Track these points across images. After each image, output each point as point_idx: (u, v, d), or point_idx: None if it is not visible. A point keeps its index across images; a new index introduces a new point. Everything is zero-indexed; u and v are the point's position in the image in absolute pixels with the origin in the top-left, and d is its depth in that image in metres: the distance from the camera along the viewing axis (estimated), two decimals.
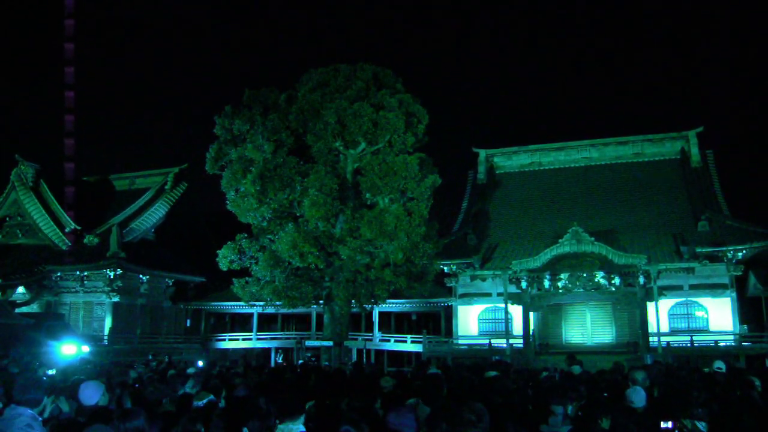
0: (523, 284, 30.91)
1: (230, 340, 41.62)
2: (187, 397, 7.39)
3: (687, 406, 6.50)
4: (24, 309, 33.97)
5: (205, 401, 6.88)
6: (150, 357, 23.47)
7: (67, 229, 37.69)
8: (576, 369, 12.33)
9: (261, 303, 30.66)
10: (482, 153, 43.39)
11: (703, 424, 6.32)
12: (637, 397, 6.77)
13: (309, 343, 34.16)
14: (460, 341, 34.89)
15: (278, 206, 27.15)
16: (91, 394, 6.60)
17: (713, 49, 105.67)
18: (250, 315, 40.55)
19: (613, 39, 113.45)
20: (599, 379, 10.23)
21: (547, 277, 30.32)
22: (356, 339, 36.10)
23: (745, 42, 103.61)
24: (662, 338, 29.50)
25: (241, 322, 43.67)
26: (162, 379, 10.76)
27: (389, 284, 26.99)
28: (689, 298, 33.31)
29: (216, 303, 41.21)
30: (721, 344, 29.70)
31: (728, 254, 31.64)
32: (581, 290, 30.14)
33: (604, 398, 7.89)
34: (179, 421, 5.80)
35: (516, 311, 32.63)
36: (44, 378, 12.18)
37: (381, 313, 38.62)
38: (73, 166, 38.85)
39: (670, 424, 6.32)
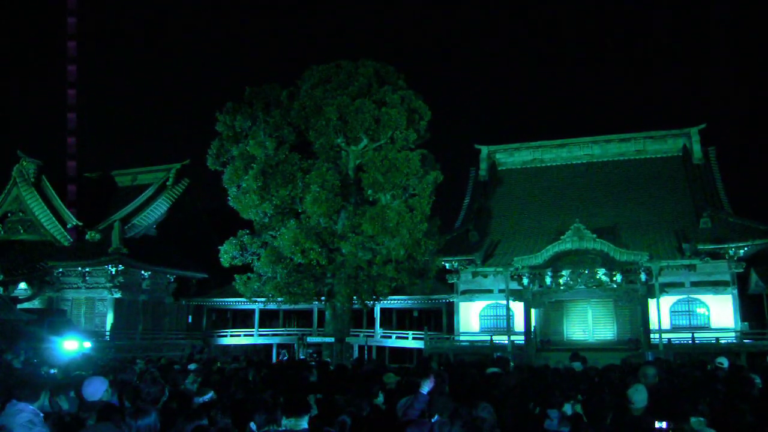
0: (525, 281, 30.90)
1: (232, 336, 41.67)
2: (188, 393, 7.39)
3: (682, 406, 6.48)
4: (26, 305, 33.94)
5: (207, 397, 6.88)
6: (153, 356, 23.28)
7: (68, 225, 37.64)
8: (577, 366, 12.32)
9: (262, 299, 30.66)
10: (484, 149, 43.33)
11: (703, 420, 6.31)
12: (639, 396, 6.74)
13: (310, 339, 34.15)
14: (462, 338, 34.86)
15: (280, 202, 27.16)
16: (96, 389, 6.56)
17: (716, 46, 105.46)
18: (252, 311, 40.56)
19: (616, 35, 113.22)
20: (604, 377, 10.21)
21: (549, 273, 30.29)
22: (358, 335, 36.13)
23: (748, 39, 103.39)
24: (663, 335, 29.53)
25: (242, 318, 43.70)
26: (164, 376, 10.75)
27: (391, 280, 27.02)
28: (691, 295, 33.25)
29: (218, 299, 41.28)
30: (722, 341, 29.62)
31: (730, 251, 31.58)
32: (583, 287, 30.12)
33: (607, 397, 7.87)
34: (181, 418, 5.79)
35: (517, 308, 32.67)
36: (44, 375, 12.20)
37: (382, 310, 38.61)
38: (75, 162, 38.89)
39: (664, 425, 6.30)
